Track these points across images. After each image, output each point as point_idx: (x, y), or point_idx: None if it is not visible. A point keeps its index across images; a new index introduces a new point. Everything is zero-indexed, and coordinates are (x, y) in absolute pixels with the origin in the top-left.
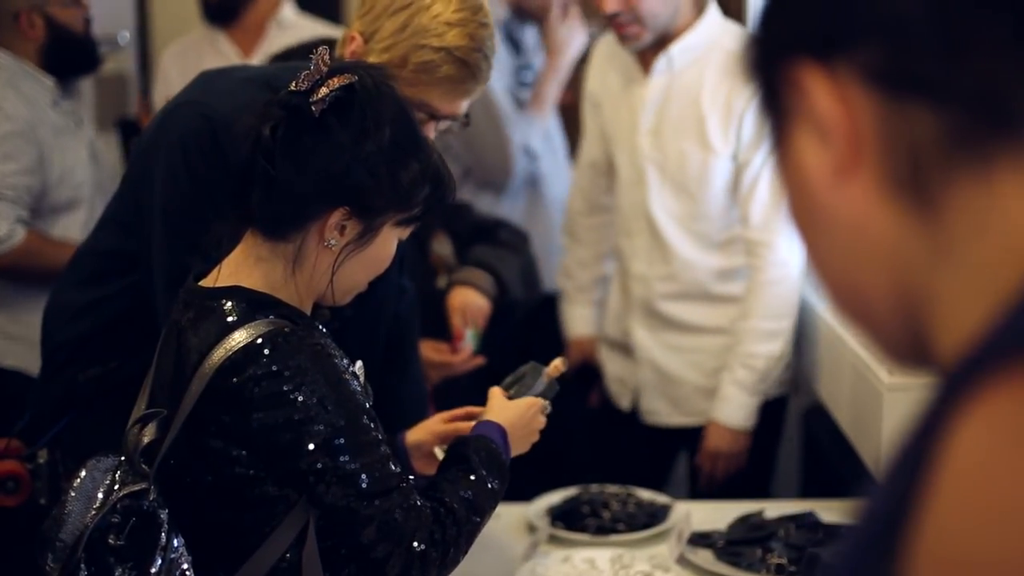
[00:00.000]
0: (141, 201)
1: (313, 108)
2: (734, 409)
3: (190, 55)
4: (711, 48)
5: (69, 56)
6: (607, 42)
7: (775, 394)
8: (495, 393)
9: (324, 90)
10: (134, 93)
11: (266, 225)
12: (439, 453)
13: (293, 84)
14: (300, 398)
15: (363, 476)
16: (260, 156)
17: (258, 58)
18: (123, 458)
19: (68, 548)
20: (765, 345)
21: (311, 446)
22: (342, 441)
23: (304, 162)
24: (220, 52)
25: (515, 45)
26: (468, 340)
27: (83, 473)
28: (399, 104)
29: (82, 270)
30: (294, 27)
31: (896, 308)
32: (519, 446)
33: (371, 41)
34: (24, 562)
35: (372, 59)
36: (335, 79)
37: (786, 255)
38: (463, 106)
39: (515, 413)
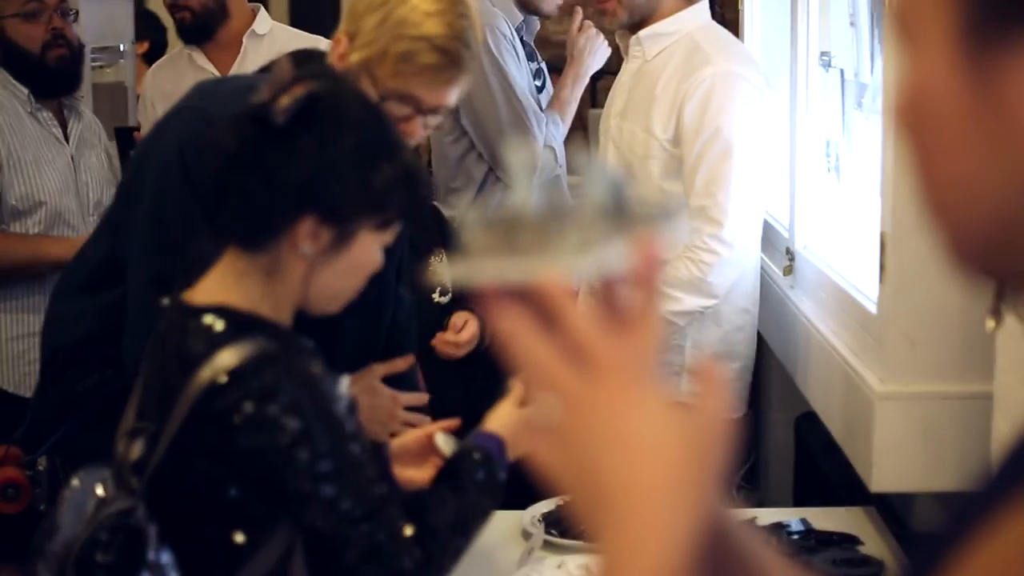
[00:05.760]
0: (133, 204)
1: (276, 118)
2: None
3: (168, 73)
4: (681, 39)
5: (24, 74)
6: None
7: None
8: (502, 404)
9: (285, 99)
10: (133, 102)
11: (240, 238)
12: (441, 441)
13: (256, 96)
14: (285, 423)
15: (347, 501)
16: (228, 169)
17: (237, 72)
18: (113, 470)
19: (58, 560)
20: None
21: (296, 471)
22: (327, 466)
23: (270, 173)
24: (199, 68)
25: (528, 52)
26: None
27: (74, 483)
28: (367, 107)
29: (80, 276)
30: (270, 37)
31: None
32: (519, 450)
33: (355, 40)
34: (24, 569)
35: (355, 57)
36: (297, 87)
37: (723, 244)
38: (449, 96)
39: (516, 421)
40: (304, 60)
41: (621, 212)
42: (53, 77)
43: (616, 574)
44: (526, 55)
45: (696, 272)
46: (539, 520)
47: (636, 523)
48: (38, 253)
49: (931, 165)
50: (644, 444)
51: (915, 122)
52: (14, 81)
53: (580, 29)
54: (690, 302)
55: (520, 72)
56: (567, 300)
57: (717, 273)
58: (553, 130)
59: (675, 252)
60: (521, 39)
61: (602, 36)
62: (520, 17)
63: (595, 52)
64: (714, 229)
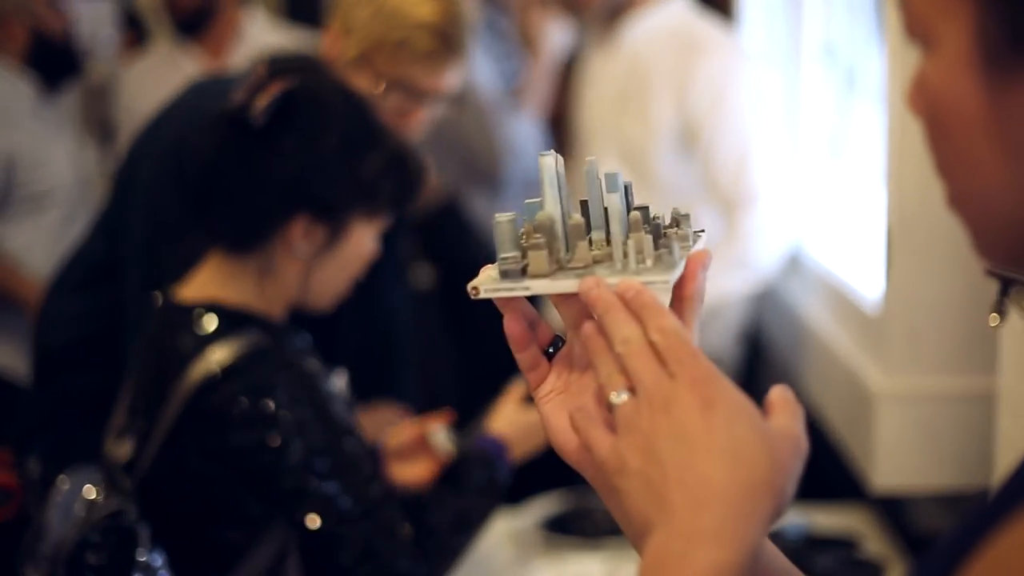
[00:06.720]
0: (127, 203)
1: (254, 119)
2: None
3: (148, 76)
4: (675, 34)
5: (51, 60)
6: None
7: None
8: (506, 401)
9: (263, 99)
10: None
11: (229, 242)
12: (439, 439)
13: (233, 97)
14: (279, 419)
15: (343, 498)
16: (210, 174)
17: (222, 70)
18: (103, 470)
19: (48, 561)
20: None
21: (290, 468)
22: (322, 462)
23: (255, 175)
24: (180, 70)
25: (499, 49)
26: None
27: (63, 484)
28: (347, 98)
29: (74, 276)
30: (257, 36)
31: None
32: (522, 452)
33: (350, 34)
34: (16, 573)
35: (352, 51)
36: (274, 86)
37: (759, 224)
38: (448, 80)
39: (522, 426)
40: (281, 57)
41: (645, 218)
42: (74, 62)
43: (660, 574)
44: (500, 50)
45: (739, 254)
46: (536, 520)
47: (692, 526)
48: (10, 284)
49: (950, 167)
50: (725, 452)
51: (933, 124)
52: (14, 76)
53: (531, 17)
54: (738, 284)
55: (480, 70)
56: (654, 301)
57: (756, 253)
58: (524, 128)
59: (714, 239)
60: (499, 33)
61: (554, 18)
62: (481, 14)
63: (551, 36)
64: (748, 211)
